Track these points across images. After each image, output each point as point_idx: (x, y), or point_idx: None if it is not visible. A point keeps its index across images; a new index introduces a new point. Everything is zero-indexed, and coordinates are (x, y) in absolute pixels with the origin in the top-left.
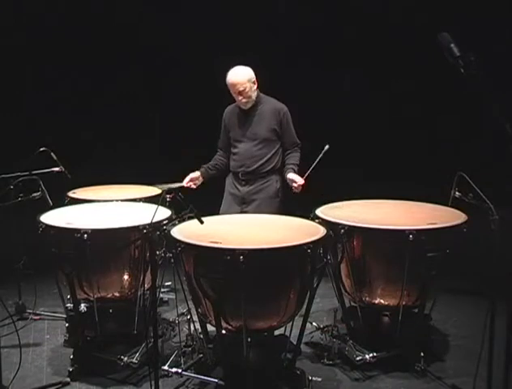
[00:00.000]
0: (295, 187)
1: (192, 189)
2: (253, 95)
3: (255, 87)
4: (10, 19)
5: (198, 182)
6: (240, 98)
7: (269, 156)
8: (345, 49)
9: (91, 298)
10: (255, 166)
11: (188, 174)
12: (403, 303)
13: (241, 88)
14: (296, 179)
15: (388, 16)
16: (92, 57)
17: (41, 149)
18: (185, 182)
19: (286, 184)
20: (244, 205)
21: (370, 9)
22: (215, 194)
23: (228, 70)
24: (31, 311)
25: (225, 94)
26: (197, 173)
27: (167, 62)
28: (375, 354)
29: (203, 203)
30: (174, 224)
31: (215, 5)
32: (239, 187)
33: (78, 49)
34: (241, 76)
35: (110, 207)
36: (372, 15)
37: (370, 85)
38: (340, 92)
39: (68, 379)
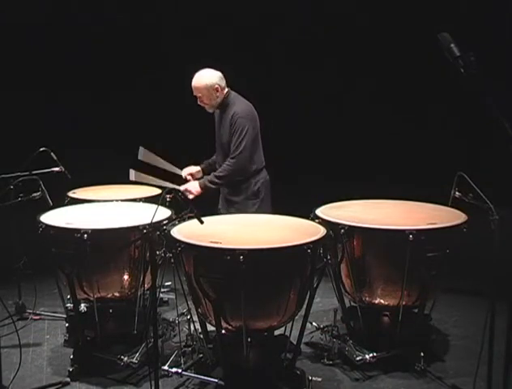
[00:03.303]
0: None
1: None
2: (213, 102)
3: (217, 94)
4: (10, 18)
5: (198, 176)
6: (198, 101)
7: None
8: (344, 49)
9: (91, 298)
10: None
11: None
12: (403, 303)
13: (198, 94)
14: (189, 185)
15: (388, 16)
16: (93, 57)
17: (41, 149)
18: (184, 175)
19: (268, 183)
20: (228, 206)
21: (370, 8)
22: (215, 194)
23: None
24: (31, 311)
25: None
26: (197, 168)
27: (168, 62)
28: (375, 354)
29: (203, 203)
30: (174, 224)
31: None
32: (222, 189)
33: (79, 48)
34: (199, 81)
35: (110, 207)
36: (372, 15)
37: (370, 85)
38: (340, 93)
39: (68, 379)
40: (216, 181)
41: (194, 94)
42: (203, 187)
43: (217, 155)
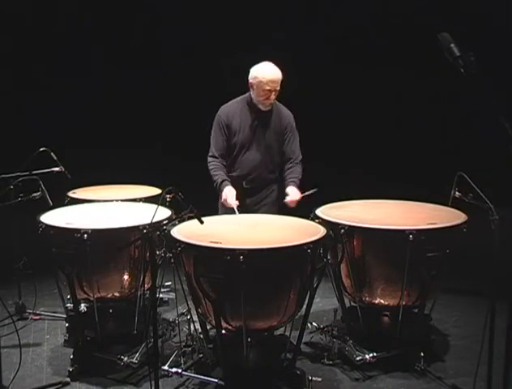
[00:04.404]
0: (287, 201)
1: (192, 188)
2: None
3: None
4: (10, 19)
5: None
6: (272, 97)
7: (276, 163)
8: (347, 47)
9: (91, 298)
10: (264, 174)
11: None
12: (403, 303)
13: (278, 87)
14: (291, 194)
15: (389, 16)
16: (93, 57)
17: (41, 149)
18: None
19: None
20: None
21: (371, 8)
22: (214, 194)
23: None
24: (31, 311)
25: (224, 94)
26: (233, 190)
27: (169, 62)
28: (375, 354)
29: (203, 203)
30: (174, 224)
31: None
32: (244, 198)
33: (79, 48)
34: (278, 74)
35: (110, 207)
36: (373, 15)
37: (370, 85)
38: (340, 92)
39: (68, 379)
40: (298, 183)
41: (274, 87)
42: None
43: (249, 155)
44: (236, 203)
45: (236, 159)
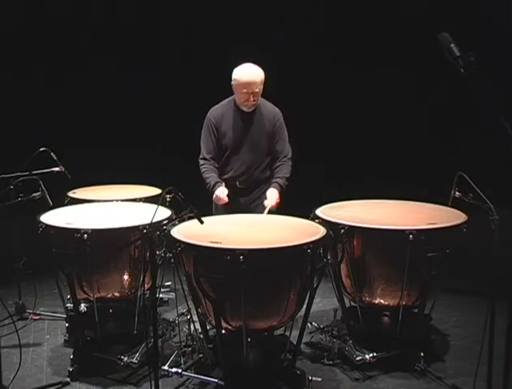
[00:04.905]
0: (266, 205)
1: (192, 188)
2: (259, 98)
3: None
4: (11, 19)
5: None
6: (251, 99)
7: (267, 162)
8: (345, 49)
9: (91, 298)
10: (256, 174)
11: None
12: (403, 303)
13: (257, 89)
14: (270, 198)
15: (388, 16)
16: (93, 57)
17: (41, 149)
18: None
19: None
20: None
21: (371, 8)
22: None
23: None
24: (31, 311)
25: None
26: (225, 189)
27: (169, 62)
28: (375, 354)
29: (203, 203)
30: (174, 224)
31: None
32: (238, 198)
33: (79, 48)
34: (258, 75)
35: (110, 207)
36: (373, 15)
37: (370, 85)
38: (340, 93)
39: (68, 379)
40: (286, 183)
41: (252, 89)
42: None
43: (240, 156)
44: (226, 200)
45: (227, 160)
